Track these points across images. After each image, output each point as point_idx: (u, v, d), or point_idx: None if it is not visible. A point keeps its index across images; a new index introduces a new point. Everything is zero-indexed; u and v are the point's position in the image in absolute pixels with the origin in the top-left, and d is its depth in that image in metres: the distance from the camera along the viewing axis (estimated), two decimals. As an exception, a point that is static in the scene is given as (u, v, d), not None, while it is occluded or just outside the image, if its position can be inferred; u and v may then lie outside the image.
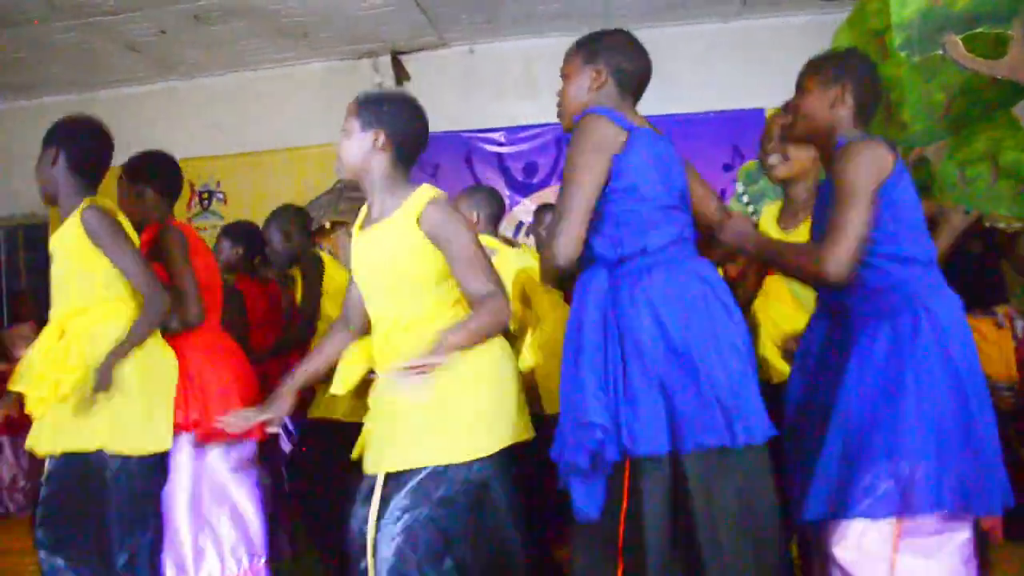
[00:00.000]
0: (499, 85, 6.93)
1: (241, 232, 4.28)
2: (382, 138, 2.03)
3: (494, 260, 2.28)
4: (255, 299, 4.14)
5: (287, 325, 4.07)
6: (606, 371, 1.97)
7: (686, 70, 6.44)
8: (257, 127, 7.33)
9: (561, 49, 2.27)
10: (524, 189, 6.87)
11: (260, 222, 6.57)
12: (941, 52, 2.82)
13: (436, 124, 6.84)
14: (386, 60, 7.01)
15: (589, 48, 2.18)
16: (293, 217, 4.04)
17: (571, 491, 1.99)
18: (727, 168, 6.47)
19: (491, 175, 6.89)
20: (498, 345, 2.11)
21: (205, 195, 7.43)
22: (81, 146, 2.77)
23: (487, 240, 3.27)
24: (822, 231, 2.07)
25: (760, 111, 6.38)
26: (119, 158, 7.68)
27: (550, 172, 6.82)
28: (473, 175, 6.90)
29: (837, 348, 2.16)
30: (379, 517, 2.00)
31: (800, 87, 2.23)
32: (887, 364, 2.02)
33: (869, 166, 1.98)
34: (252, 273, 4.26)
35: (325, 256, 3.91)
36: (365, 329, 2.22)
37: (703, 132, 6.47)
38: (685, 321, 1.98)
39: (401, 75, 7.01)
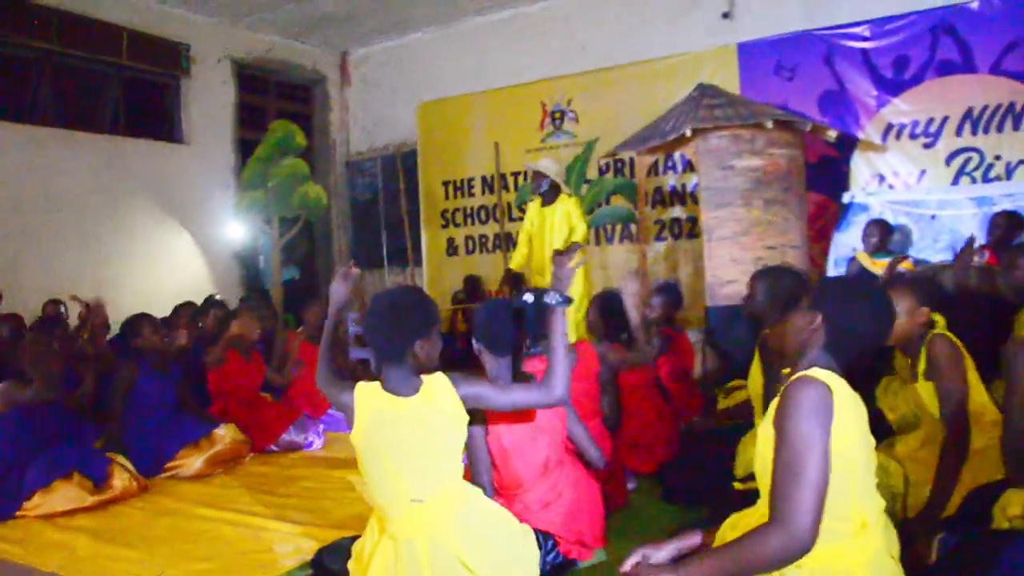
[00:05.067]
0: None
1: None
2: (817, 321, 1.86)
3: None
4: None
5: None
6: None
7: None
8: (603, 44, 7.36)
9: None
10: (894, 87, 6.18)
11: (610, 140, 6.70)
12: None
13: (790, 23, 6.41)
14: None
15: None
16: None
17: None
18: None
19: (855, 75, 6.28)
20: None
21: (557, 115, 7.65)
22: None
23: None
24: None
25: None
26: (482, 83, 8.02)
27: (924, 66, 6.05)
28: (835, 76, 6.34)
29: None
30: None
31: None
32: None
33: None
34: None
35: None
36: None
37: None
38: None
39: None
